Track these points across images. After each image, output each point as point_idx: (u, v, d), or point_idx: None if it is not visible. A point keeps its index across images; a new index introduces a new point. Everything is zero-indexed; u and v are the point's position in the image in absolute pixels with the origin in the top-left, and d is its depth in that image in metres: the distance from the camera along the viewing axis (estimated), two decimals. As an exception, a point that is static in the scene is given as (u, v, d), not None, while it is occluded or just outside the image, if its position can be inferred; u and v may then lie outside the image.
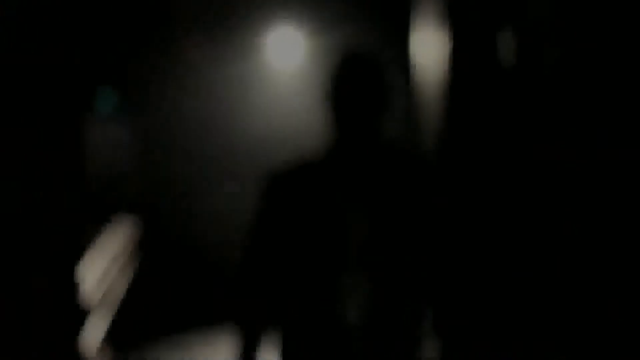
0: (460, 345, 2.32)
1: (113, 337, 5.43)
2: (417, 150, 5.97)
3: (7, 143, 3.20)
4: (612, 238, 2.93)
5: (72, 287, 3.34)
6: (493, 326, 3.32)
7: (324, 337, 2.27)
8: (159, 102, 8.00)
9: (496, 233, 3.73)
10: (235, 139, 8.06)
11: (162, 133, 8.05)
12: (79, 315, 3.45)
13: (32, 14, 3.21)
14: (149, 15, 7.86)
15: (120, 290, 6.27)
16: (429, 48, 5.19)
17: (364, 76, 2.33)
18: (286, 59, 8.06)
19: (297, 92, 8.01)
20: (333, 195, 2.30)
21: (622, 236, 2.91)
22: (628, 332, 2.82)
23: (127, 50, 7.82)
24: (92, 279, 5.02)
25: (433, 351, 2.37)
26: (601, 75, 2.97)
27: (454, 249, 2.34)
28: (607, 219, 2.94)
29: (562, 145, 3.18)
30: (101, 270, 5.49)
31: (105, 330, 5.18)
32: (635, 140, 2.88)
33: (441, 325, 2.36)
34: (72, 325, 3.36)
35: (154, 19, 7.88)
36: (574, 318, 2.99)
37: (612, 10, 2.95)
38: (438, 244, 2.34)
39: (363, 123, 2.31)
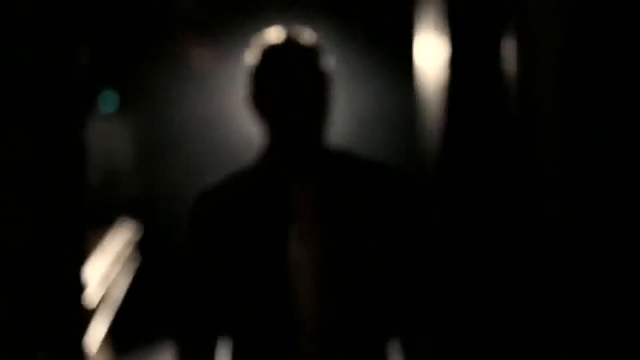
0: (459, 346, 2.27)
1: (113, 338, 5.44)
2: (417, 156, 5.98)
3: (7, 144, 3.21)
4: (611, 238, 2.94)
5: (74, 289, 3.35)
6: (492, 326, 3.33)
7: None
8: (160, 103, 8.00)
9: (496, 233, 3.74)
10: (237, 141, 8.05)
11: (163, 135, 8.06)
12: (81, 317, 3.46)
13: (33, 14, 3.22)
14: (149, 16, 7.87)
15: (120, 292, 6.28)
16: (430, 52, 5.20)
17: (300, 69, 1.97)
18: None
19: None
20: (270, 208, 1.97)
21: (622, 236, 2.92)
22: (628, 332, 2.83)
23: (127, 51, 7.83)
24: (93, 281, 5.03)
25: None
26: (603, 80, 2.98)
27: (447, 252, 2.25)
28: (607, 220, 2.95)
29: (562, 148, 3.19)
30: (102, 273, 5.50)
31: (106, 332, 5.20)
32: (637, 142, 2.90)
33: (439, 327, 2.15)
34: (74, 327, 3.36)
35: (154, 19, 7.89)
36: (574, 318, 2.99)
37: (613, 14, 2.97)
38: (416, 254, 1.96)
39: (302, 125, 1.96)
